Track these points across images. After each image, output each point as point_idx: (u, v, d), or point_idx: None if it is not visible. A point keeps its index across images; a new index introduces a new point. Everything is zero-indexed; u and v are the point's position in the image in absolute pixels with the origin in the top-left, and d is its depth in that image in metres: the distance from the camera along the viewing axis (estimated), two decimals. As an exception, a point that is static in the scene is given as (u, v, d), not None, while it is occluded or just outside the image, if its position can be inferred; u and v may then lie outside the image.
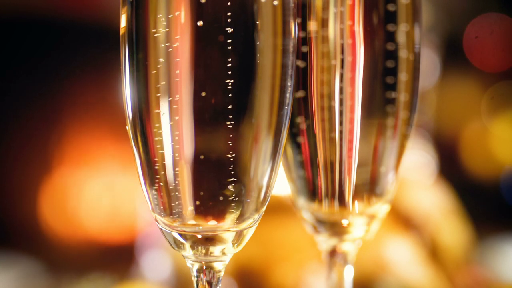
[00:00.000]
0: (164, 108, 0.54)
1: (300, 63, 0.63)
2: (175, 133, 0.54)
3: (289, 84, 0.56)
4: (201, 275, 0.58)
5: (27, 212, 1.99)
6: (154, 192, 0.56)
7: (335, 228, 0.66)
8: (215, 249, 0.57)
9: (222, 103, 0.54)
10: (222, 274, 0.58)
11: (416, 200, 1.18)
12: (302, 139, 0.64)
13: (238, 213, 0.56)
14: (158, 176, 0.55)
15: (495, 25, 2.17)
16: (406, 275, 1.08)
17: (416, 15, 0.64)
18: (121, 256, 1.76)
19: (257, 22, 0.54)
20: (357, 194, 0.65)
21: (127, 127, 0.57)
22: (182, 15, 0.53)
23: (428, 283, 1.10)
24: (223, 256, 0.58)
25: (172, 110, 0.54)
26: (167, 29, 0.54)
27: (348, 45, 0.62)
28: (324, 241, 0.67)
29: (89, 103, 2.02)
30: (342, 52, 0.62)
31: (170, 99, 0.54)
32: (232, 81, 0.54)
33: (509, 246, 1.65)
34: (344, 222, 0.66)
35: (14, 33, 2.00)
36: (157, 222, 0.58)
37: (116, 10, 0.56)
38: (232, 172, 0.55)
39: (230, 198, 0.55)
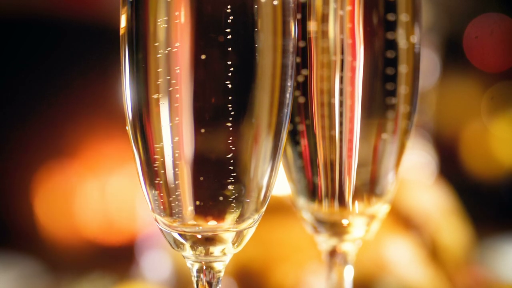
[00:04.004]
0: (164, 108, 0.54)
1: (300, 63, 0.63)
2: (175, 133, 0.54)
3: (289, 84, 0.56)
4: (201, 275, 0.58)
5: (27, 212, 1.99)
6: (154, 192, 0.56)
7: (335, 228, 0.66)
8: (215, 249, 0.57)
9: (222, 103, 0.54)
10: (222, 274, 0.58)
11: (416, 200, 1.18)
12: (302, 139, 0.64)
13: (238, 213, 0.56)
14: (158, 176, 0.55)
15: (495, 25, 2.17)
16: (406, 275, 1.08)
17: (416, 15, 0.64)
18: (121, 256, 1.76)
19: (257, 22, 0.54)
20: (357, 194, 0.65)
21: (127, 127, 0.57)
22: (182, 15, 0.53)
23: (428, 283, 1.10)
24: (223, 256, 0.58)
25: (172, 110, 0.54)
26: (167, 29, 0.54)
27: (348, 44, 0.62)
28: (324, 241, 0.67)
29: (89, 103, 2.02)
30: (342, 52, 0.62)
31: (170, 99, 0.54)
32: (232, 81, 0.54)
33: (509, 246, 1.65)
34: (344, 222, 0.66)
35: (14, 33, 2.00)
36: (157, 222, 0.58)
37: (116, 10, 0.57)
38: (232, 172, 0.55)
39: (230, 198, 0.55)
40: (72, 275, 1.58)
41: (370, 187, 0.65)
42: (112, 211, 1.98)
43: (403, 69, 0.64)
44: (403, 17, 0.63)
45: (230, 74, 0.54)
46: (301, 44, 0.63)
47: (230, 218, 0.56)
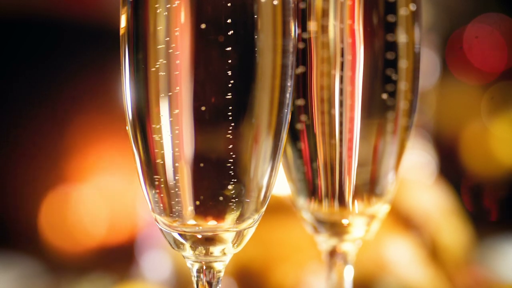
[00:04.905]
0: (164, 108, 0.54)
1: (300, 63, 0.63)
2: (175, 133, 0.54)
3: (289, 84, 0.56)
4: (201, 275, 0.58)
5: (28, 212, 1.99)
6: (154, 192, 0.56)
7: (335, 228, 0.66)
8: (215, 249, 0.57)
9: (222, 103, 0.54)
10: (222, 274, 0.58)
11: (416, 200, 1.18)
12: (302, 139, 0.64)
13: (238, 213, 0.56)
14: (158, 176, 0.55)
15: (495, 25, 2.17)
16: (406, 275, 1.08)
17: (416, 15, 0.64)
18: (121, 256, 1.76)
19: (257, 22, 0.54)
20: (357, 194, 0.65)
21: (127, 127, 0.57)
22: (182, 15, 0.53)
23: (428, 283, 1.10)
24: (223, 256, 0.58)
25: (172, 110, 0.54)
26: (167, 29, 0.54)
27: (348, 45, 0.62)
28: (324, 241, 0.67)
29: (89, 103, 2.02)
30: (342, 52, 0.62)
31: (170, 99, 0.54)
32: (232, 81, 0.54)
33: (509, 246, 1.65)
34: (344, 222, 0.66)
35: (14, 33, 2.00)
36: (157, 222, 0.58)
37: (116, 10, 0.57)
38: (232, 172, 0.55)
39: (230, 198, 0.55)
40: (72, 275, 1.58)
41: (370, 187, 0.65)
42: (112, 211, 1.98)
43: (403, 68, 0.64)
44: (403, 17, 0.63)
45: (230, 74, 0.54)
46: (301, 44, 0.63)
47: (230, 218, 0.56)
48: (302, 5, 0.63)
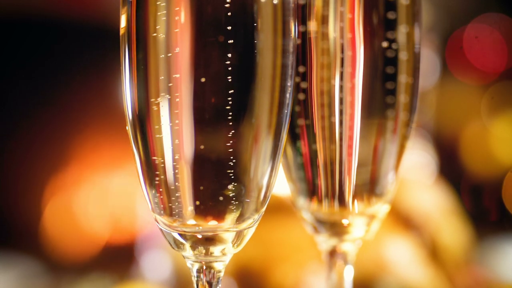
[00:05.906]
0: (164, 108, 0.54)
1: (300, 64, 0.63)
2: (175, 133, 0.54)
3: (289, 84, 0.56)
4: (201, 275, 0.58)
5: (28, 212, 1.99)
6: (154, 192, 0.56)
7: (335, 228, 0.66)
8: (215, 249, 0.57)
9: (222, 103, 0.54)
10: (222, 274, 0.58)
11: (416, 200, 1.18)
12: (302, 139, 0.64)
13: (238, 213, 0.56)
14: (158, 176, 0.55)
15: (495, 25, 2.17)
16: (406, 275, 1.08)
17: (416, 15, 0.64)
18: (121, 256, 1.76)
19: (257, 22, 0.54)
20: (357, 194, 0.65)
21: (127, 127, 0.57)
22: (182, 15, 0.54)
23: (428, 283, 1.10)
24: (223, 256, 0.58)
25: (172, 110, 0.54)
26: (167, 29, 0.54)
27: (348, 45, 0.62)
28: (324, 241, 0.67)
29: (89, 104, 2.02)
30: (342, 52, 0.62)
31: (170, 99, 0.54)
32: (232, 81, 0.54)
33: (509, 246, 1.65)
34: (344, 222, 0.66)
35: (14, 33, 2.00)
36: (157, 222, 0.58)
37: (116, 10, 0.57)
38: (232, 172, 0.55)
39: (230, 198, 0.55)
40: (72, 275, 1.58)
41: (370, 187, 0.65)
42: (113, 211, 1.98)
43: (403, 69, 0.64)
44: (403, 17, 0.63)
45: (230, 74, 0.54)
46: (300, 43, 0.63)
47: (230, 218, 0.56)
48: (302, 1, 0.63)
